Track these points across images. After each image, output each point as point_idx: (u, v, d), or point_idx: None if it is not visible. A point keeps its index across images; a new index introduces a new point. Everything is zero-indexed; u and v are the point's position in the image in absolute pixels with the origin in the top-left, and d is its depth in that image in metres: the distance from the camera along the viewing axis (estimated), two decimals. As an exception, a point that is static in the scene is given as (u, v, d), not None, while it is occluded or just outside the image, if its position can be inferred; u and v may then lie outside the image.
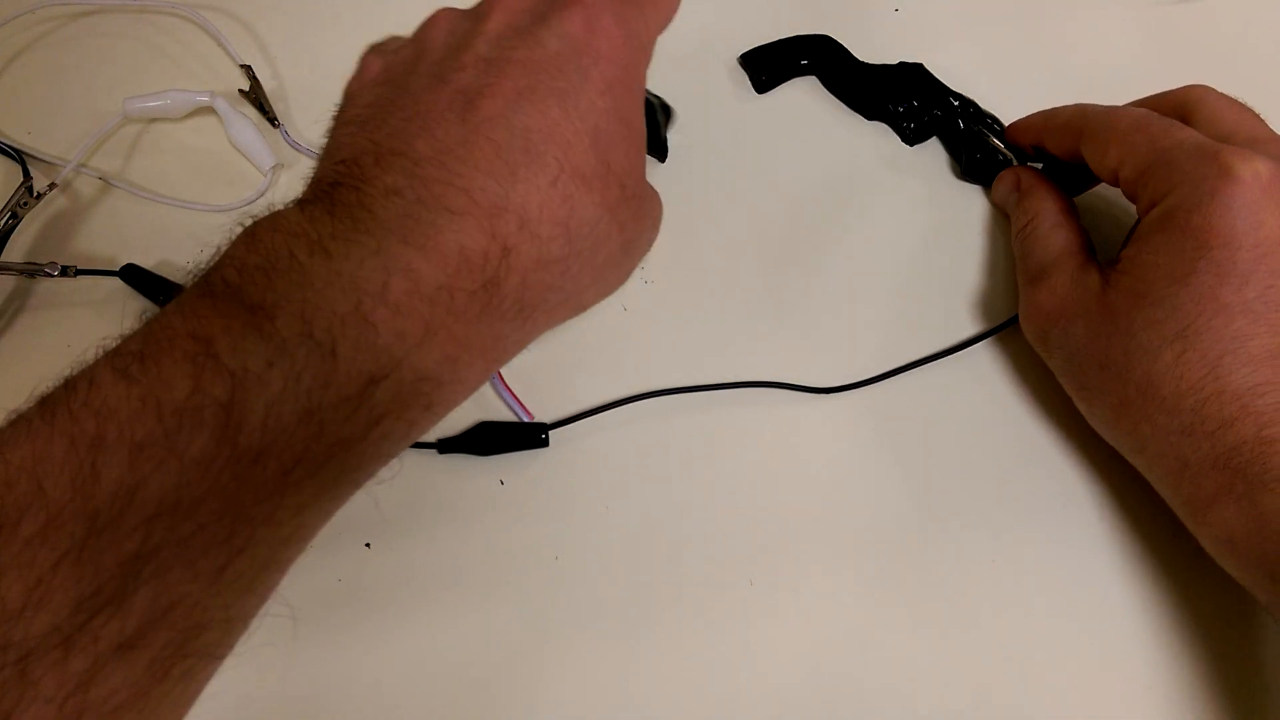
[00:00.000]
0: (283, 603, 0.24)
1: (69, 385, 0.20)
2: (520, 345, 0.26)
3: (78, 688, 0.18)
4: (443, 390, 0.23)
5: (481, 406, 0.35)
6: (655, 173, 0.39)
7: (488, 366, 0.25)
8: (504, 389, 0.34)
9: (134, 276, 0.36)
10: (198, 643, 0.20)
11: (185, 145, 0.40)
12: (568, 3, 0.26)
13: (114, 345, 0.21)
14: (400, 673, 0.31)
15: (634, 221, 0.27)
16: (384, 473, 0.24)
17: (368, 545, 0.33)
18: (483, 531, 0.33)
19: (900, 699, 0.31)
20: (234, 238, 0.22)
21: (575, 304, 0.27)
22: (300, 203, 0.23)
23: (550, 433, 0.34)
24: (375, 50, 0.29)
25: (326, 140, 0.26)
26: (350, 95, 0.27)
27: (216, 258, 0.22)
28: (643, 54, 0.28)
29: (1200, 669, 0.31)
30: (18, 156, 0.38)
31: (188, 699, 0.21)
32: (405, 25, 0.29)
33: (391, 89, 0.25)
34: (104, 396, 0.19)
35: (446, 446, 0.34)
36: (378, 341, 0.21)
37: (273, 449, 0.20)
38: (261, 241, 0.22)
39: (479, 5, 0.27)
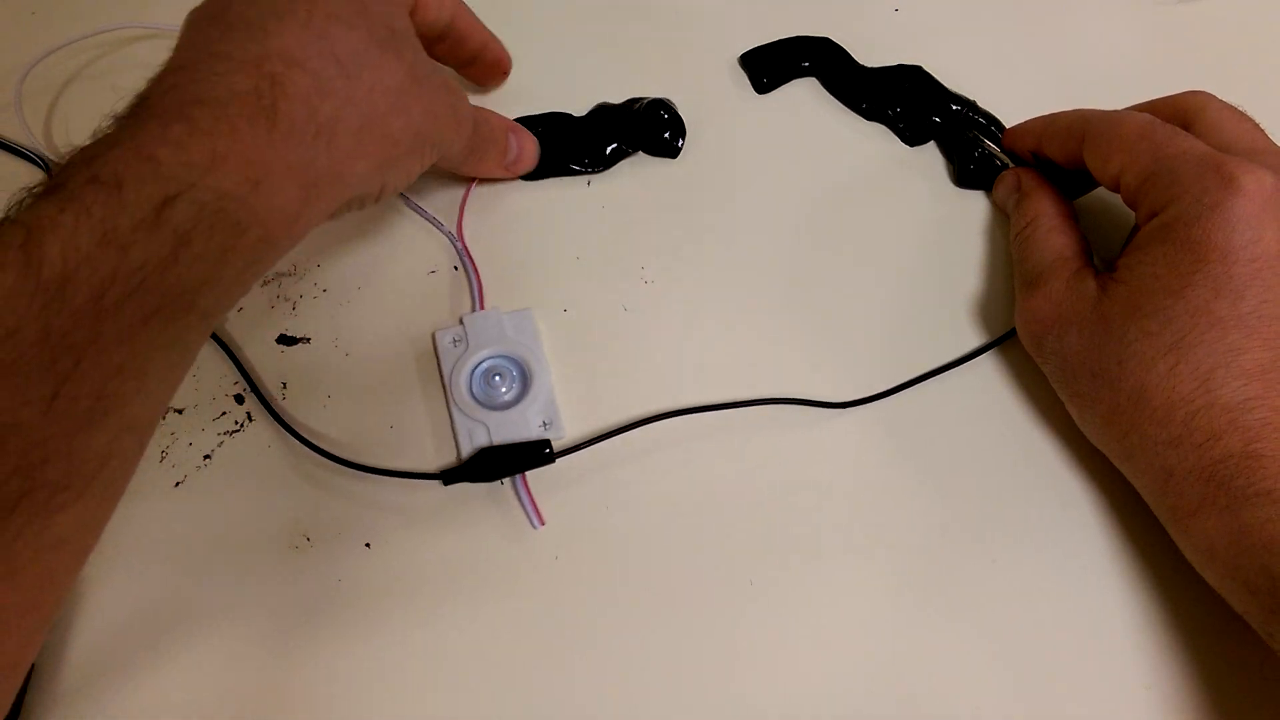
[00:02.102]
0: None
1: None
2: (338, 173, 0.27)
3: None
4: (251, 209, 0.25)
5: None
6: (657, 170, 0.40)
7: (304, 192, 0.26)
8: (524, 489, 0.33)
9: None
10: (42, 473, 0.21)
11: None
12: None
13: None
14: (400, 673, 0.31)
15: (414, 57, 0.30)
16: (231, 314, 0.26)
17: (368, 545, 0.33)
18: (483, 532, 0.33)
19: (901, 699, 0.32)
20: None
21: (381, 129, 0.29)
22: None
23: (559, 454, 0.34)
24: None
25: None
26: None
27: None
28: None
29: (1199, 669, 0.32)
30: (44, 165, 0.39)
31: (53, 540, 0.22)
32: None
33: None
34: None
35: (451, 477, 0.33)
36: (162, 171, 0.23)
37: (77, 275, 0.21)
38: (73, 148, 0.24)
39: None
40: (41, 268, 0.21)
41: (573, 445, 0.34)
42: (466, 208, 0.38)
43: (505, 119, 0.38)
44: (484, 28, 0.38)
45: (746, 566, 0.33)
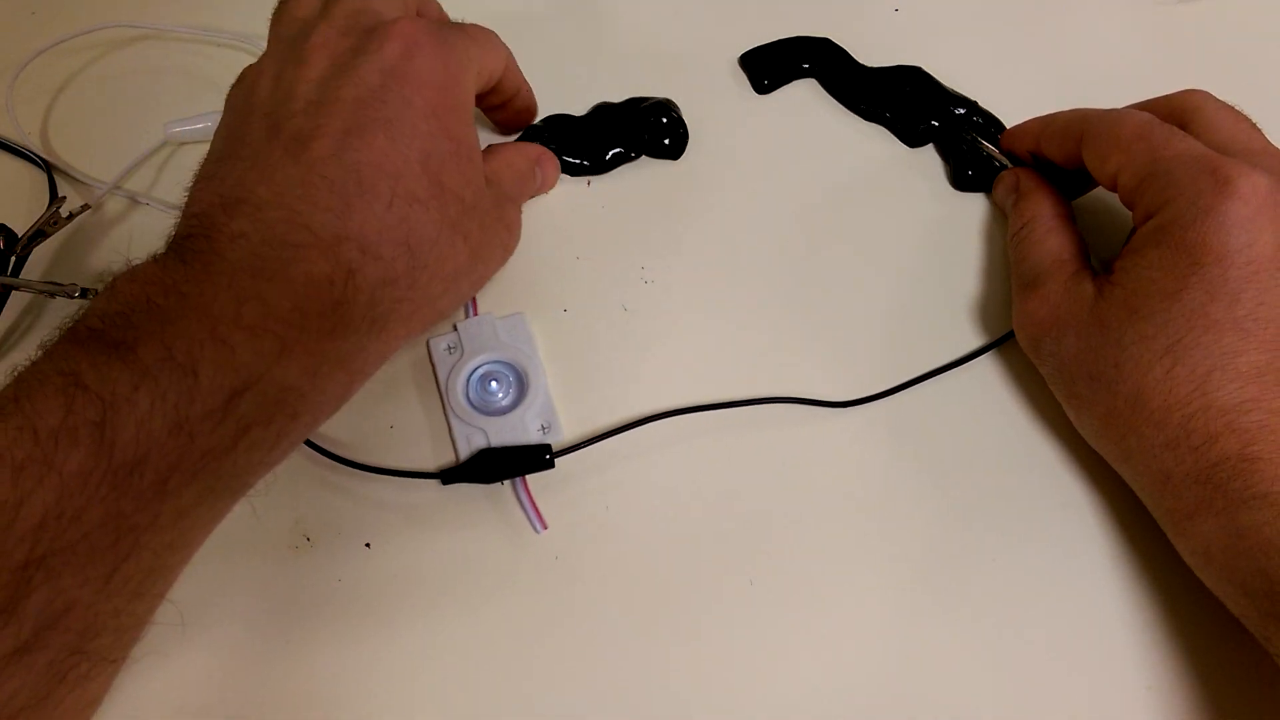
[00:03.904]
0: (174, 606, 0.26)
1: None
2: (382, 355, 0.28)
3: None
4: (306, 399, 0.25)
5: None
6: (657, 170, 0.40)
7: (350, 377, 0.27)
8: (525, 494, 0.33)
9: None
10: (92, 645, 0.22)
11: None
12: (385, 34, 0.28)
13: None
14: (400, 673, 0.31)
15: (480, 231, 0.30)
16: (260, 485, 0.26)
17: (368, 545, 0.33)
18: (483, 532, 0.33)
19: (901, 698, 0.32)
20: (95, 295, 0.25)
21: (430, 311, 0.29)
22: (156, 256, 0.25)
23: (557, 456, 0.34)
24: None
25: (186, 198, 0.28)
26: (209, 150, 0.29)
27: (80, 313, 0.24)
28: (465, 72, 0.30)
29: (1200, 670, 0.32)
30: (46, 168, 0.39)
31: (88, 701, 0.23)
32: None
33: (234, 142, 0.27)
34: None
35: (450, 477, 0.33)
36: (235, 360, 0.23)
37: (148, 459, 0.22)
38: (120, 292, 0.24)
39: (299, 48, 0.29)
40: (114, 449, 0.21)
41: (572, 445, 0.34)
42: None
43: (525, 154, 0.36)
44: (523, 78, 0.37)
45: (746, 566, 0.33)
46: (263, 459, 0.25)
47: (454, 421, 0.34)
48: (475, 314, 0.36)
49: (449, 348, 0.35)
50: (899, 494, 0.34)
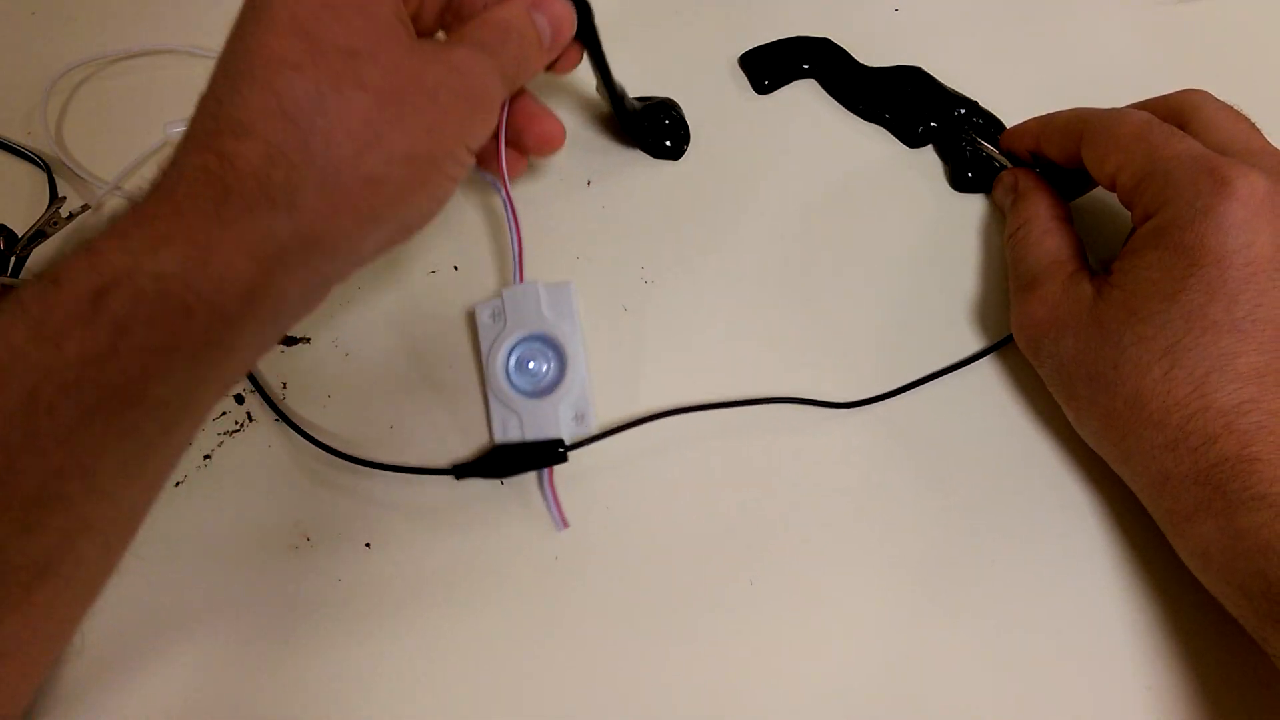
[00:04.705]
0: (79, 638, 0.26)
1: None
2: (310, 236, 0.25)
3: None
4: (195, 288, 0.23)
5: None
6: (657, 170, 0.40)
7: (261, 265, 0.24)
8: (550, 490, 0.33)
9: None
10: None
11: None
12: None
13: None
14: (399, 672, 0.32)
15: (389, 76, 0.26)
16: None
17: (368, 545, 0.33)
18: (483, 531, 0.33)
19: (902, 699, 0.32)
20: None
21: (353, 173, 0.26)
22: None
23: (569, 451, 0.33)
24: None
25: None
26: None
27: None
28: None
29: (1200, 670, 0.32)
30: (46, 169, 0.39)
31: None
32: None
33: None
34: None
35: (463, 472, 0.33)
36: (99, 261, 0.22)
37: (9, 372, 0.21)
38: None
39: None
40: None
41: (573, 444, 0.34)
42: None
43: (511, 6, 0.31)
44: None
45: (747, 566, 0.33)
46: (158, 364, 0.23)
47: (492, 402, 0.34)
48: (521, 279, 0.34)
49: (493, 314, 0.34)
50: (900, 495, 0.34)
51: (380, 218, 0.27)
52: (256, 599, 0.32)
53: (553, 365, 0.34)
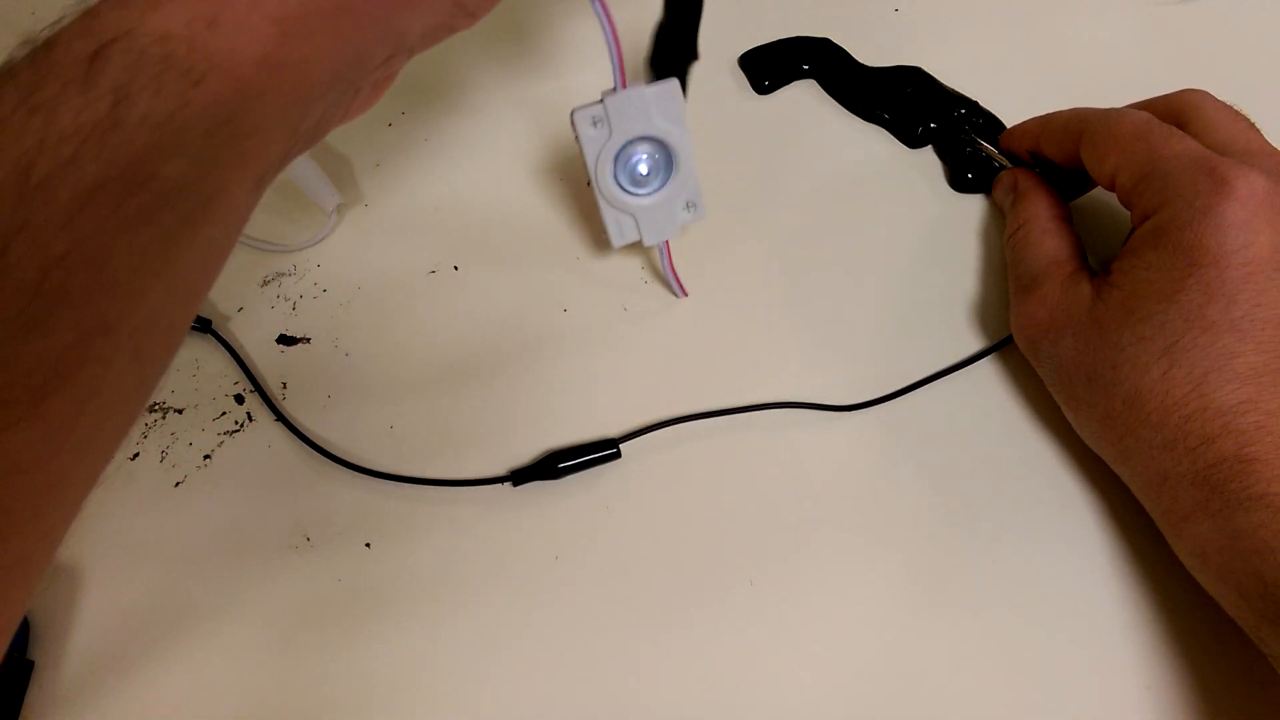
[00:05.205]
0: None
1: None
2: (319, 6, 0.22)
3: None
4: (204, 50, 0.20)
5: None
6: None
7: (280, 27, 0.21)
8: (667, 260, 0.34)
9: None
10: None
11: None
12: None
13: None
14: (400, 672, 0.32)
15: None
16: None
17: (368, 545, 0.33)
18: (483, 531, 0.34)
19: (902, 699, 0.32)
20: None
21: None
22: None
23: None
24: None
25: None
26: None
27: None
28: None
29: (1200, 670, 0.32)
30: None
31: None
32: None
33: None
34: None
35: (521, 478, 0.34)
36: (96, 24, 0.20)
37: None
38: None
39: None
40: None
41: (623, 437, 0.34)
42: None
43: None
44: None
45: (747, 567, 0.33)
46: (166, 137, 0.20)
47: (604, 208, 0.33)
48: (624, 85, 0.32)
49: (595, 121, 0.32)
50: (900, 495, 0.34)
51: None
52: (256, 599, 0.32)
53: (660, 162, 0.33)
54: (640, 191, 0.33)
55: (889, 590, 0.33)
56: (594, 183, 0.32)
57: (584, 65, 0.42)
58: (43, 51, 0.19)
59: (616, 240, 0.33)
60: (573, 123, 0.32)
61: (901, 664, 0.32)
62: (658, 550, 0.33)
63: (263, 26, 0.21)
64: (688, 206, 0.34)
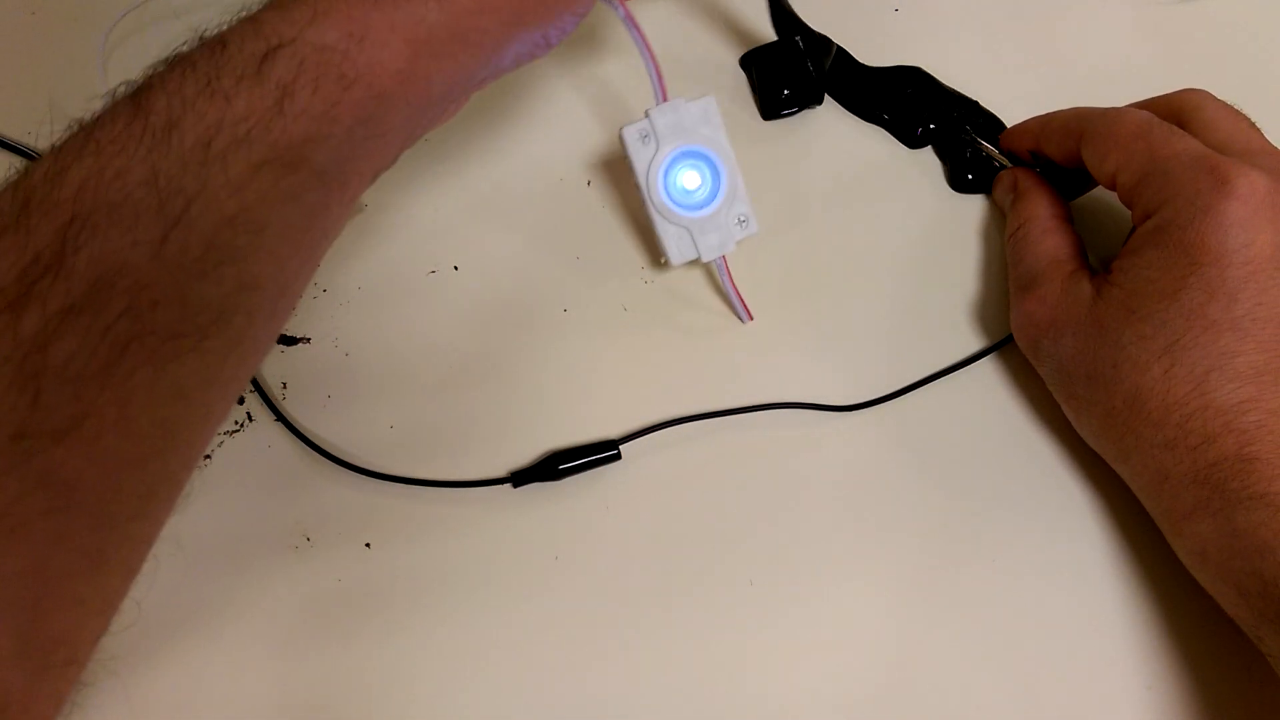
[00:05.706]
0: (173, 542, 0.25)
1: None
2: (457, 30, 0.26)
3: (33, 348, 0.20)
4: (354, 61, 0.24)
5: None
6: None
7: (413, 48, 0.25)
8: (728, 279, 0.34)
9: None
10: (154, 318, 0.21)
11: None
12: None
13: None
14: (400, 672, 0.32)
15: None
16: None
17: (368, 545, 0.33)
18: (483, 531, 0.33)
19: (902, 699, 0.32)
20: None
21: None
22: None
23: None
24: None
25: None
26: None
27: None
28: None
29: (1200, 670, 0.32)
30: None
31: (161, 394, 0.22)
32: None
33: None
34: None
35: (521, 479, 0.34)
36: (263, 29, 0.23)
37: (183, 121, 0.22)
38: None
39: None
40: (149, 115, 0.22)
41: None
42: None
43: None
44: None
45: (747, 567, 0.33)
46: (319, 129, 0.24)
47: (659, 222, 0.33)
48: (665, 99, 0.33)
49: (642, 136, 0.33)
50: (900, 495, 0.34)
51: (523, 23, 0.27)
52: (256, 599, 0.32)
53: (708, 176, 0.33)
54: (693, 205, 0.33)
55: (889, 590, 0.33)
56: (646, 198, 0.33)
57: (584, 64, 0.42)
58: (217, 47, 0.23)
59: (676, 258, 0.33)
60: (622, 140, 0.33)
61: (902, 664, 0.32)
62: (658, 551, 0.33)
63: (399, 46, 0.25)
64: (740, 222, 0.33)
